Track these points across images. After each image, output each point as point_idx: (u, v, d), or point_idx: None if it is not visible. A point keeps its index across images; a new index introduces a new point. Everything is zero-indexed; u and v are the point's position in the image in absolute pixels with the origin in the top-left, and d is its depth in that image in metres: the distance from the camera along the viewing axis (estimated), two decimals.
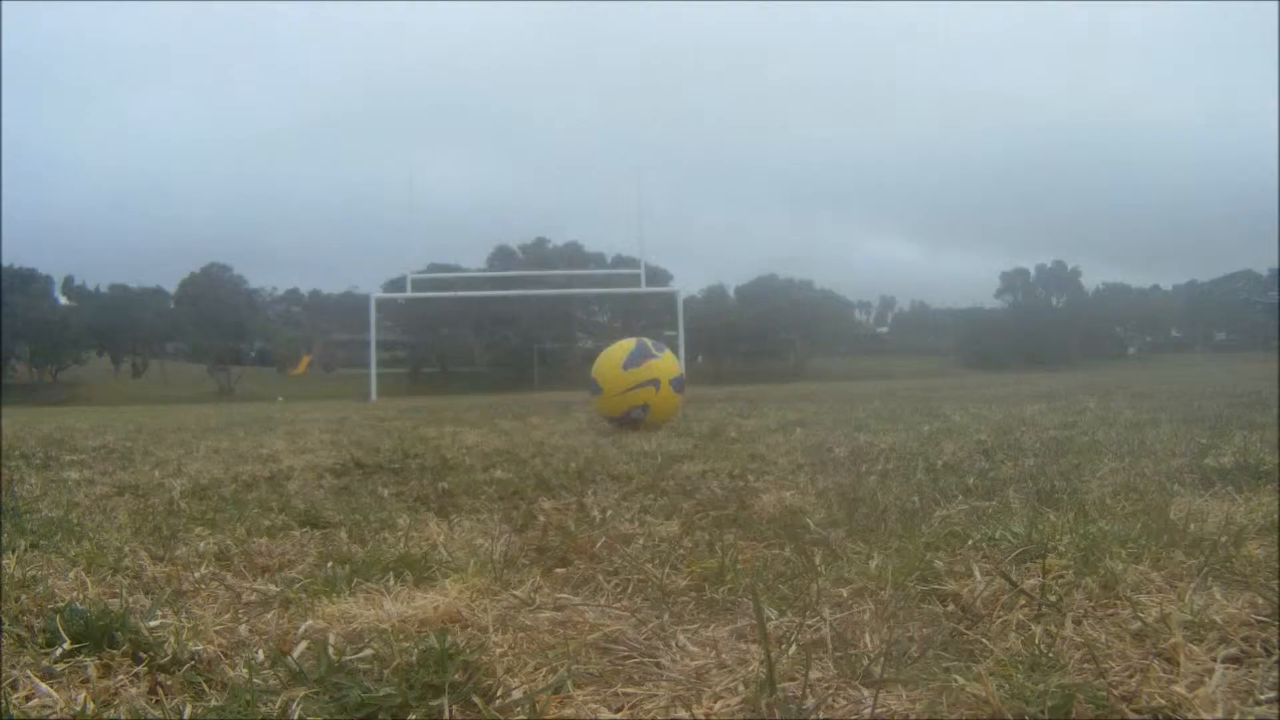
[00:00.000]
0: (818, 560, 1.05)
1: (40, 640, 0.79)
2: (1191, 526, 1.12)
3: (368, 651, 0.75)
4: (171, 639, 0.79)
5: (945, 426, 3.10)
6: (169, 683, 0.72)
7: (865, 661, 0.71)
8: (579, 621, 0.87)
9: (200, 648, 0.78)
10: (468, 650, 0.74)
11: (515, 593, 0.97)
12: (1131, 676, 0.67)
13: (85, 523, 1.44)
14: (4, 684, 0.70)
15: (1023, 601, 0.85)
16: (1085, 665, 0.69)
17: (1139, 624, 0.77)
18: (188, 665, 0.75)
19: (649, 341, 3.73)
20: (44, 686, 0.69)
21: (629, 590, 0.99)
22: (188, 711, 0.66)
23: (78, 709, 0.65)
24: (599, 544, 1.19)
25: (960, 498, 1.45)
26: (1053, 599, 0.85)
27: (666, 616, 0.88)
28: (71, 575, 1.07)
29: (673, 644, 0.80)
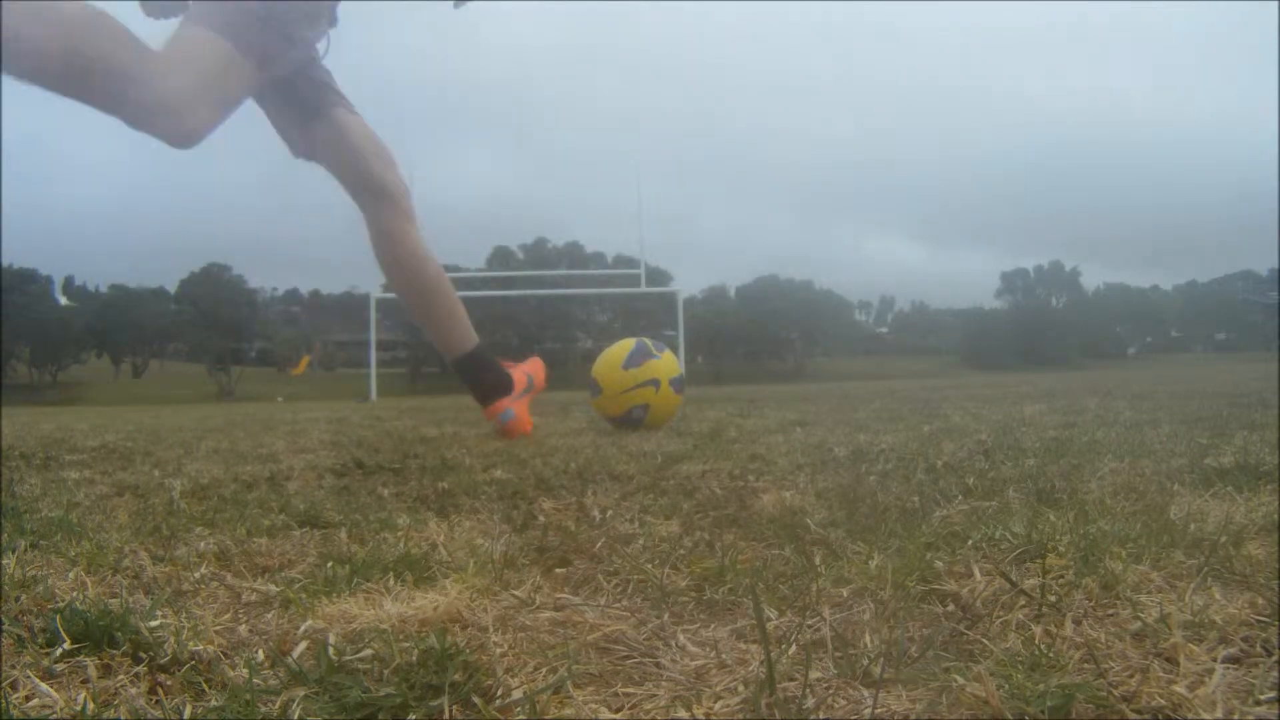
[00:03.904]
0: (818, 560, 1.05)
1: (40, 640, 0.79)
2: (1191, 526, 1.12)
3: (368, 651, 0.75)
4: (171, 639, 0.79)
5: (945, 426, 3.09)
6: (169, 683, 0.72)
7: (865, 661, 0.71)
8: (579, 621, 0.87)
9: (200, 648, 0.78)
10: (468, 650, 0.74)
11: (515, 593, 0.97)
12: (1131, 676, 0.67)
13: (85, 523, 1.44)
14: (4, 684, 0.70)
15: (1023, 601, 0.85)
16: (1085, 665, 0.69)
17: (1139, 624, 0.77)
18: (188, 665, 0.74)
19: (649, 341, 3.72)
20: (44, 686, 0.69)
21: (629, 590, 0.99)
22: (188, 711, 0.66)
23: (78, 709, 0.65)
24: (599, 544, 1.19)
25: (960, 498, 1.45)
26: (1053, 599, 0.85)
27: (666, 616, 0.88)
28: (71, 575, 1.07)
29: (673, 644, 0.80)
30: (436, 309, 3.01)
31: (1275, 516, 1.17)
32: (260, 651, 0.79)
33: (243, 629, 0.87)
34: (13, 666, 0.73)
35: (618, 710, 0.67)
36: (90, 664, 0.74)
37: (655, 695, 0.68)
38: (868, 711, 0.63)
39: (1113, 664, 0.69)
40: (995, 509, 1.33)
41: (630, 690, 0.70)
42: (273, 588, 1.02)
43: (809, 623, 0.83)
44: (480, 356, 3.17)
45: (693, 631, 0.83)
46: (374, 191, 2.91)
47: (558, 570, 1.09)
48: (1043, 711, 0.60)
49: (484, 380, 3.16)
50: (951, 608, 0.87)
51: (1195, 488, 1.45)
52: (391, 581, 1.01)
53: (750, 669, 0.72)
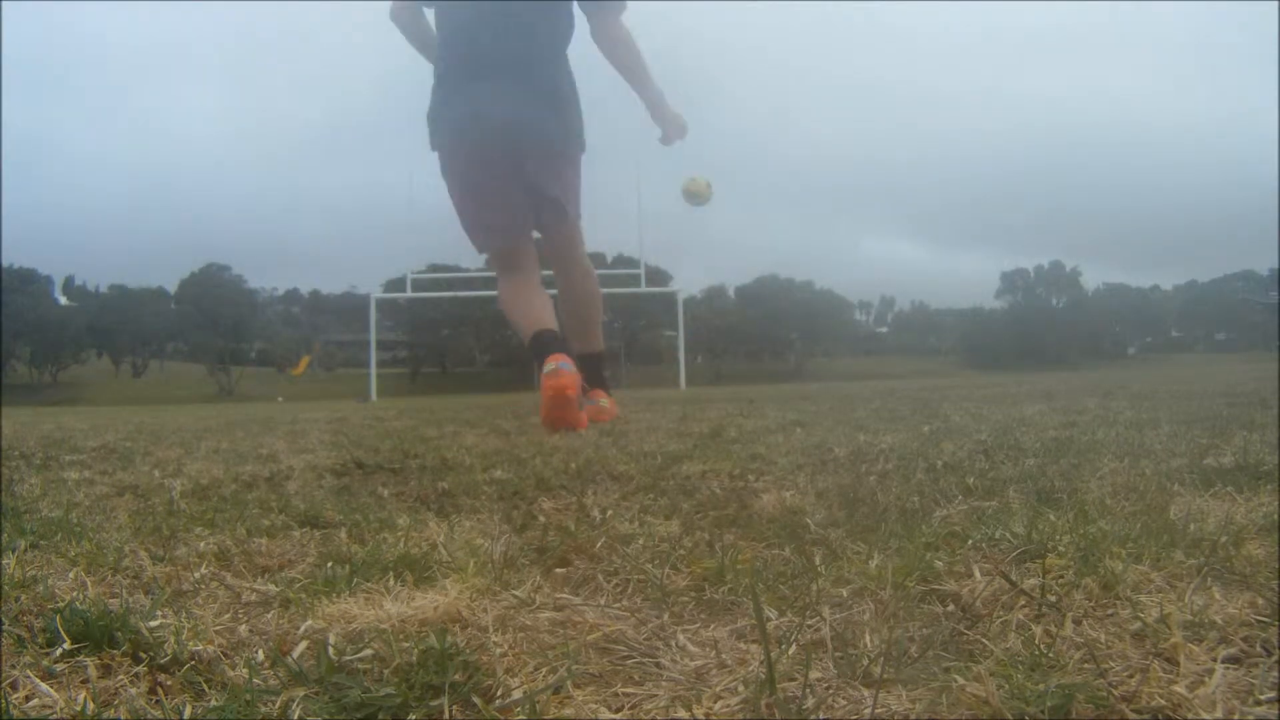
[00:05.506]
0: (818, 560, 1.05)
1: (40, 640, 0.79)
2: (1191, 526, 1.12)
3: (368, 651, 0.75)
4: (171, 639, 0.79)
5: (945, 426, 3.09)
6: (169, 683, 0.72)
7: (865, 661, 0.71)
8: (579, 621, 0.87)
9: (200, 648, 0.78)
10: (468, 650, 0.74)
11: (515, 593, 0.97)
12: (1131, 676, 0.67)
13: (85, 523, 1.44)
14: (4, 684, 0.70)
15: (1023, 601, 0.85)
16: (1085, 665, 0.69)
17: (1139, 624, 0.77)
18: (188, 665, 0.74)
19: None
20: (44, 686, 0.69)
21: (629, 590, 0.99)
22: (188, 711, 0.66)
23: (78, 709, 0.65)
24: (599, 544, 1.19)
25: (960, 498, 1.45)
26: (1053, 599, 0.85)
27: (666, 616, 0.88)
28: (71, 575, 1.07)
29: (673, 644, 0.80)
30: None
31: (1275, 516, 1.17)
32: (260, 651, 0.79)
33: (243, 629, 0.87)
34: (13, 666, 0.73)
35: (618, 710, 0.67)
36: (90, 664, 0.74)
37: (655, 695, 0.68)
38: (868, 711, 0.63)
39: (1113, 664, 0.69)
40: (995, 509, 1.33)
41: (630, 690, 0.70)
42: (273, 588, 1.02)
43: (809, 623, 0.83)
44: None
45: (693, 631, 0.83)
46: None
47: (558, 570, 1.09)
48: (1043, 711, 0.60)
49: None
50: (951, 608, 0.87)
51: (1195, 488, 1.45)
52: (391, 581, 1.01)
53: (750, 669, 0.72)
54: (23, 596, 0.95)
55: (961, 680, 0.65)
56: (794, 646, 0.76)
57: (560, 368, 3.29)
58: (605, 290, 4.51)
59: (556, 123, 3.68)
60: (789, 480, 1.76)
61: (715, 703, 0.66)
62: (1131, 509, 1.28)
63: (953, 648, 0.75)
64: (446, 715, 0.64)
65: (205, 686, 0.71)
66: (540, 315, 3.61)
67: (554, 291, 4.04)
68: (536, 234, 3.97)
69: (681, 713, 0.65)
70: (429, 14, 3.84)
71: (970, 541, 1.10)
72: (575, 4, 3.76)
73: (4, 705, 0.66)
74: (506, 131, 3.58)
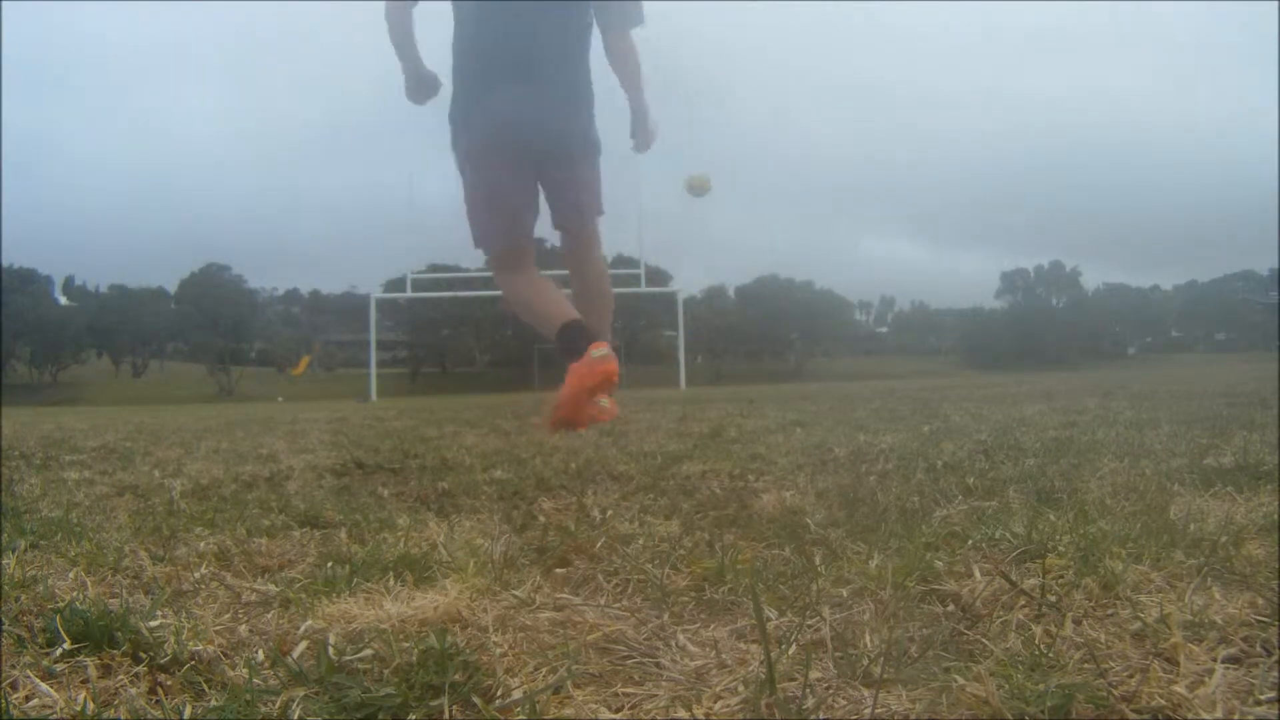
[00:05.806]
0: (818, 560, 1.05)
1: (40, 640, 0.79)
2: (1191, 526, 1.12)
3: (368, 651, 0.75)
4: (171, 639, 0.79)
5: (945, 426, 3.09)
6: (169, 683, 0.72)
7: (865, 661, 0.71)
8: (579, 621, 0.87)
9: (200, 648, 0.78)
10: (468, 650, 0.74)
11: (515, 593, 0.97)
12: (1131, 676, 0.67)
13: (85, 523, 1.44)
14: (4, 684, 0.70)
15: (1023, 601, 0.85)
16: (1085, 665, 0.69)
17: (1139, 624, 0.77)
18: (188, 665, 0.74)
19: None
20: (44, 686, 0.69)
21: (629, 590, 0.99)
22: (188, 711, 0.66)
23: (78, 709, 0.65)
24: (599, 544, 1.19)
25: (960, 498, 1.45)
26: (1053, 599, 0.85)
27: (666, 616, 0.88)
28: (71, 575, 1.07)
29: (673, 644, 0.80)
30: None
31: (1275, 516, 1.17)
32: (260, 651, 0.79)
33: (243, 629, 0.87)
34: (13, 666, 0.73)
35: (618, 710, 0.67)
36: (90, 664, 0.74)
37: (655, 695, 0.68)
38: (868, 711, 0.63)
39: (1113, 664, 0.69)
40: (995, 509, 1.33)
41: (630, 690, 0.70)
42: (273, 588, 1.02)
43: (809, 623, 0.83)
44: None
45: (693, 631, 0.83)
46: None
47: (558, 570, 1.09)
48: (1043, 711, 0.60)
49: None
50: (951, 608, 0.87)
51: (1195, 488, 1.45)
52: (391, 581, 1.02)
53: (750, 669, 0.72)
54: (23, 596, 0.95)
55: (961, 680, 0.65)
56: (794, 646, 0.76)
57: (610, 353, 3.33)
58: None
59: (577, 124, 3.74)
60: (789, 480, 1.76)
61: (715, 703, 0.66)
62: (1131, 509, 1.28)
63: (953, 648, 0.75)
64: (446, 715, 0.64)
65: (205, 686, 0.71)
66: (566, 307, 3.65)
67: (567, 291, 4.03)
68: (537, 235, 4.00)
69: (681, 713, 0.65)
70: (421, 16, 3.85)
71: (970, 541, 1.10)
72: (593, 9, 3.80)
73: (4, 705, 0.66)
74: (531, 134, 3.61)
